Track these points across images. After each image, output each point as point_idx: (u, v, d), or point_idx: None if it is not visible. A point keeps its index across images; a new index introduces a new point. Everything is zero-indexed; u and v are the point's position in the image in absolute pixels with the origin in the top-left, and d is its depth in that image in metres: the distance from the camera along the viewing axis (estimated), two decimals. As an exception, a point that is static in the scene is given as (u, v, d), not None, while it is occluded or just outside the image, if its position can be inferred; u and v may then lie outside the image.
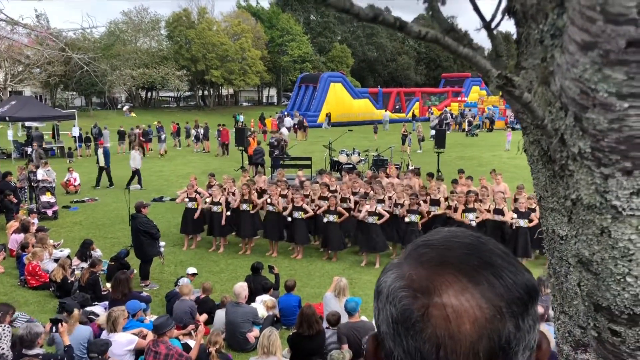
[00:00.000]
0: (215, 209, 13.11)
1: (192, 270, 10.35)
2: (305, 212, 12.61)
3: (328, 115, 44.61)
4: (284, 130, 30.04)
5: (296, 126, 38.52)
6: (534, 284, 0.75)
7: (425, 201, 12.56)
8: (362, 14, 0.74)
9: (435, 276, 0.70)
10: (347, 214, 12.58)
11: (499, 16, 0.99)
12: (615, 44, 0.67)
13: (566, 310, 1.13)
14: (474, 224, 11.73)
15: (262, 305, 9.12)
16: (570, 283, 1.10)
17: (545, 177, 1.06)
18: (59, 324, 6.38)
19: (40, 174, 16.06)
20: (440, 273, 0.70)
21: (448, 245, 0.74)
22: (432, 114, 45.37)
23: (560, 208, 1.03)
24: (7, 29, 12.98)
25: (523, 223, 11.53)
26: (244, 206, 12.99)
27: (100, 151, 20.70)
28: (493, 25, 1.00)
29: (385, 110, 47.06)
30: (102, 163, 20.44)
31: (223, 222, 13.01)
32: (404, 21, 0.78)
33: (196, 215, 13.17)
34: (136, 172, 20.22)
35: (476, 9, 0.98)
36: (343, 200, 12.96)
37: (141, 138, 28.73)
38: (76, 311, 7.13)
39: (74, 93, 60.46)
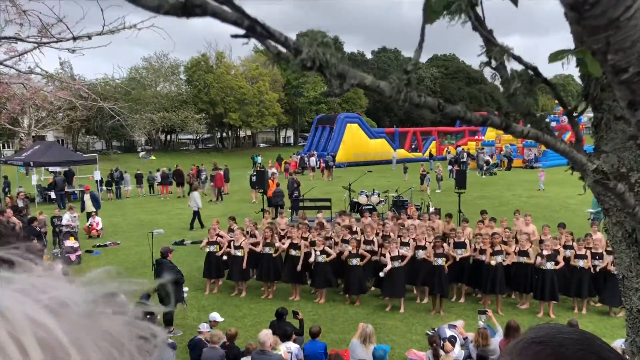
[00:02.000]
0: (236, 252, 13.12)
1: (216, 318, 10.25)
2: (328, 254, 12.56)
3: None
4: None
5: (323, 166, 39.05)
6: None
7: (448, 243, 12.46)
8: (474, 119, 0.78)
9: None
10: (369, 256, 12.50)
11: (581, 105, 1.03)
12: None
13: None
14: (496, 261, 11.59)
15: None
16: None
17: (629, 257, 1.08)
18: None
19: (66, 219, 16.27)
20: None
21: (560, 342, 0.75)
22: (452, 151, 44.96)
23: (647, 289, 1.05)
24: (42, 82, 13.37)
25: (550, 265, 11.34)
26: (266, 249, 12.99)
27: (87, 196, 20.79)
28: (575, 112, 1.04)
29: (394, 150, 47.15)
30: (89, 208, 20.43)
31: (244, 266, 13.00)
32: (509, 122, 0.83)
33: (219, 253, 13.21)
34: (197, 213, 20.52)
35: (559, 98, 1.02)
36: (367, 242, 12.90)
37: (194, 178, 29.20)
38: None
39: (95, 137, 61.70)
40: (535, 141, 0.88)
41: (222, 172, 28.77)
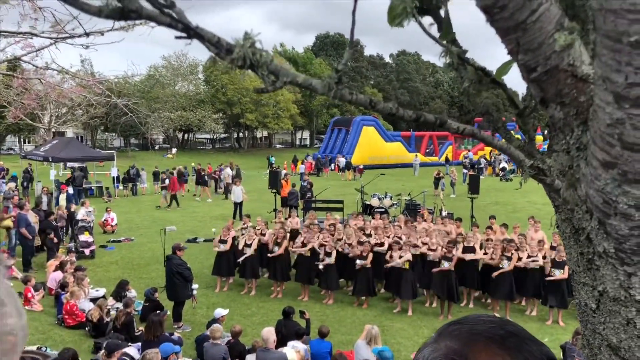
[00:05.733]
0: (247, 250, 13.21)
1: (221, 312, 10.30)
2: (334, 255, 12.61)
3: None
4: (303, 168, 30.13)
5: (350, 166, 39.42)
6: (554, 357, 0.83)
7: (457, 248, 12.42)
8: (406, 115, 0.84)
9: (469, 344, 0.80)
10: (369, 252, 12.37)
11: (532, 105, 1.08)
12: (632, 167, 0.75)
13: (600, 382, 1.17)
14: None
15: (293, 351, 9.03)
16: (604, 355, 1.14)
17: (577, 253, 1.12)
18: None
19: (81, 213, 16.52)
20: (473, 342, 0.80)
21: (476, 322, 0.85)
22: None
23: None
24: (57, 77, 13.61)
25: (558, 273, 11.26)
26: (276, 248, 13.07)
27: (62, 196, 20.99)
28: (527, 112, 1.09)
29: (416, 155, 46.78)
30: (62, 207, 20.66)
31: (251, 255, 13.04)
32: (443, 119, 0.88)
33: (225, 248, 13.24)
34: (239, 205, 22.12)
35: (510, 98, 1.07)
36: (379, 244, 12.91)
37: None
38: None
39: (114, 134, 62.42)
40: (472, 137, 0.93)
41: (176, 177, 27.57)
